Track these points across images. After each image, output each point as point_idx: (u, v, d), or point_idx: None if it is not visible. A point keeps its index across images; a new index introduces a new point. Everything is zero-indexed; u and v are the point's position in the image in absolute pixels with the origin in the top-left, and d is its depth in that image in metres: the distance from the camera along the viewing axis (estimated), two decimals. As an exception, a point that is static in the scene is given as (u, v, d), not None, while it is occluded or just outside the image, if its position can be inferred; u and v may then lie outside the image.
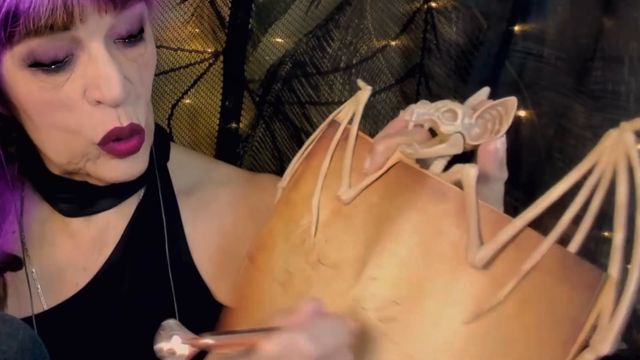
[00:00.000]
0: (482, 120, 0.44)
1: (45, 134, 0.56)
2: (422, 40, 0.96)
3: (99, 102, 0.53)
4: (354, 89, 0.96)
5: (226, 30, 0.87)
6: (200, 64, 0.88)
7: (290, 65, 0.93)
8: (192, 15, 0.86)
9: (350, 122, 0.51)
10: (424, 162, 0.46)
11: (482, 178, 0.44)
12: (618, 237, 0.37)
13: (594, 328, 0.38)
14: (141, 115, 0.56)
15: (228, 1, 0.86)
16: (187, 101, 0.90)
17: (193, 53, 0.87)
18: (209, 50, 0.88)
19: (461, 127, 0.44)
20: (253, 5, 0.87)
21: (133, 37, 0.54)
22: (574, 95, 0.87)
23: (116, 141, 0.55)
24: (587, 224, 0.39)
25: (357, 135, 0.49)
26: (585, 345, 0.38)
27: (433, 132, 0.47)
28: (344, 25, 0.94)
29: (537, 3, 0.91)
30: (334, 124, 0.52)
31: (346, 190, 0.48)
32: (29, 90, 0.52)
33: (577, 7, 0.88)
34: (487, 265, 0.39)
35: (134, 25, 0.54)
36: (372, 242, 0.45)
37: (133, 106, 0.55)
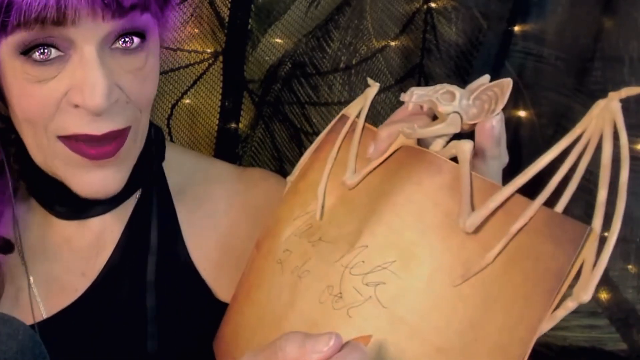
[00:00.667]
0: (479, 101, 0.46)
1: (24, 130, 0.55)
2: (421, 40, 0.96)
3: (76, 106, 0.52)
4: (353, 90, 0.96)
5: (225, 31, 0.87)
6: (200, 64, 0.88)
7: (290, 66, 0.93)
8: (192, 15, 0.86)
9: (358, 116, 0.53)
10: (424, 144, 0.47)
11: (479, 155, 0.46)
12: (602, 194, 0.39)
13: (577, 278, 0.40)
14: (128, 119, 0.55)
15: (227, 1, 0.86)
16: (187, 101, 0.90)
17: (192, 53, 0.87)
18: (209, 50, 0.88)
19: (459, 107, 0.45)
20: (253, 5, 0.87)
21: (132, 44, 0.53)
22: (574, 95, 0.87)
23: (89, 145, 0.53)
24: (573, 186, 0.41)
25: (363, 126, 0.51)
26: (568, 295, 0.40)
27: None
28: (343, 25, 0.94)
29: (537, 3, 0.91)
30: (343, 118, 0.54)
31: (351, 176, 0.49)
32: (15, 80, 0.52)
33: (577, 7, 0.88)
34: (477, 230, 0.41)
35: (134, 35, 0.53)
36: (368, 215, 0.46)
37: (119, 113, 0.53)
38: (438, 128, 0.45)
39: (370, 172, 0.48)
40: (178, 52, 0.87)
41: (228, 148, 0.91)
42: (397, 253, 0.44)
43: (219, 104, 0.90)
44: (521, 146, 0.90)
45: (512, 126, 0.92)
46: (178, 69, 0.87)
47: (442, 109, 0.45)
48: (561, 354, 0.85)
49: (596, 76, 0.85)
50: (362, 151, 0.50)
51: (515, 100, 0.91)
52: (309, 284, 0.47)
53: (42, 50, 0.50)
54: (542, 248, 0.40)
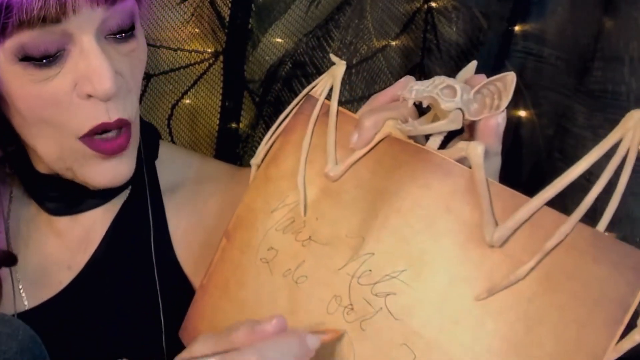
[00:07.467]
0: (480, 96, 0.44)
1: (34, 130, 0.56)
2: (422, 40, 0.96)
3: (89, 96, 0.53)
4: (354, 89, 0.96)
5: (226, 31, 0.87)
6: (200, 64, 0.88)
7: (290, 66, 0.93)
8: (192, 15, 0.86)
9: (328, 97, 0.50)
10: (414, 137, 0.46)
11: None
12: None
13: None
14: (131, 110, 0.57)
15: (228, 1, 0.86)
16: (187, 101, 0.90)
17: (193, 53, 0.87)
18: (209, 50, 0.88)
19: (461, 103, 0.44)
20: (253, 5, 0.87)
21: (124, 33, 0.55)
22: (574, 95, 0.87)
23: (104, 140, 0.55)
24: (615, 203, 0.38)
25: (337, 110, 0.49)
26: (632, 326, 0.37)
27: (417, 106, 0.47)
28: (344, 25, 0.94)
29: (537, 3, 0.91)
30: (310, 98, 0.51)
31: (333, 167, 0.47)
32: (19, 84, 0.52)
33: (577, 7, 0.88)
34: (504, 243, 0.40)
35: (125, 21, 0.54)
36: (368, 218, 0.45)
37: (123, 101, 0.55)
38: (440, 125, 0.43)
39: (355, 162, 0.47)
40: (178, 52, 0.87)
41: (229, 148, 0.91)
42: (406, 261, 0.42)
43: (220, 104, 0.90)
44: (521, 146, 0.90)
45: (512, 126, 0.92)
46: (178, 69, 0.87)
47: (445, 106, 0.43)
48: (561, 353, 0.85)
49: (596, 76, 0.84)
50: (340, 138, 0.48)
51: (515, 100, 0.91)
52: (311, 292, 0.45)
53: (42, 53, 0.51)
54: (592, 271, 0.37)
